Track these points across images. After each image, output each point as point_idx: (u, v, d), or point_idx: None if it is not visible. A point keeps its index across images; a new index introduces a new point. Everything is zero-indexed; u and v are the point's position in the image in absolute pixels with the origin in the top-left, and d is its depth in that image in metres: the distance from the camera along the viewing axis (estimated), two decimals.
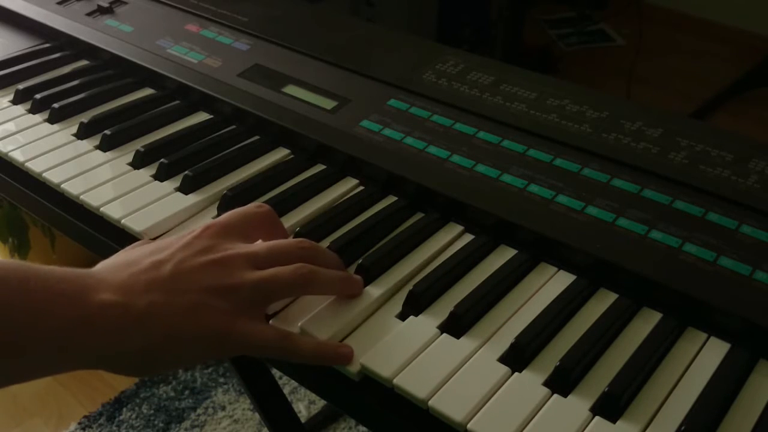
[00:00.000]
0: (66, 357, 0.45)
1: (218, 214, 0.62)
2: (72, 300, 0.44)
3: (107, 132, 0.71)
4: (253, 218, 0.54)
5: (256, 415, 1.35)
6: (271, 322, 0.52)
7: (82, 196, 0.64)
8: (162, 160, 0.67)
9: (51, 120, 0.75)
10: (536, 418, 0.45)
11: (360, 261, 0.56)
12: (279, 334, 0.49)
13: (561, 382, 0.47)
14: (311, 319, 0.52)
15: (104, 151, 0.70)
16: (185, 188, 0.65)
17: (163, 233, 0.61)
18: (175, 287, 0.47)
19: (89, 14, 0.88)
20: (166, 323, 0.46)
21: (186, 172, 0.66)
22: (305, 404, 1.38)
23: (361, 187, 0.65)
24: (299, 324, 0.51)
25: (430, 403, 0.46)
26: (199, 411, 1.38)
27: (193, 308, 0.47)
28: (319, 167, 0.67)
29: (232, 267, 0.49)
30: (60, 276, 0.45)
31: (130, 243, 0.59)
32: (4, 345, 0.42)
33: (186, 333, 0.46)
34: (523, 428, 0.45)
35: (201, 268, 0.48)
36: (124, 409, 1.39)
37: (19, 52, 0.86)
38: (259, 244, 0.52)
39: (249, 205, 0.55)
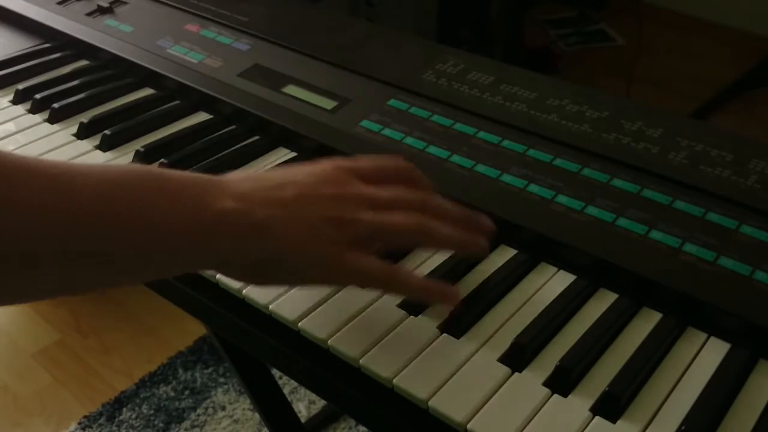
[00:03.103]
0: (182, 260, 0.46)
1: None
2: (193, 205, 0.46)
3: (107, 132, 0.71)
4: (386, 170, 0.53)
5: (256, 415, 1.35)
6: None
7: None
8: (162, 160, 0.67)
9: (51, 120, 0.75)
10: (536, 418, 0.45)
11: None
12: (386, 266, 0.49)
13: (561, 382, 0.47)
14: (310, 317, 0.52)
15: (104, 151, 0.70)
16: None
17: None
18: (294, 208, 0.48)
19: (89, 14, 0.88)
20: (281, 237, 0.47)
21: None
22: (305, 404, 1.38)
23: None
24: (299, 323, 0.52)
25: (430, 403, 0.46)
26: (199, 411, 1.38)
27: (308, 229, 0.47)
28: None
29: (350, 203, 0.49)
30: (183, 180, 0.47)
31: None
32: (122, 245, 0.44)
33: (298, 250, 0.47)
34: (523, 428, 0.45)
35: (322, 198, 0.49)
36: (124, 409, 1.39)
37: (19, 52, 0.86)
38: (383, 190, 0.51)
39: (387, 156, 0.54)
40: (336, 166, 0.51)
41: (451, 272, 0.55)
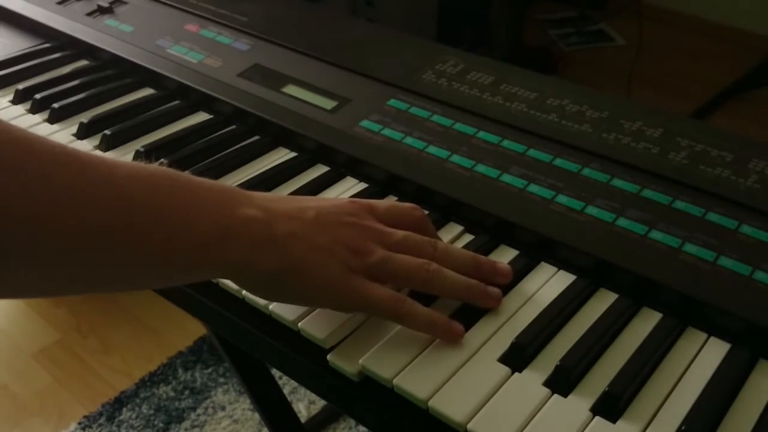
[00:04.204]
0: (202, 265, 0.47)
1: None
2: (217, 210, 0.47)
3: (107, 132, 0.71)
4: (403, 215, 0.54)
5: (256, 415, 1.35)
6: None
7: None
8: (162, 160, 0.67)
9: (51, 120, 0.75)
10: (536, 418, 0.45)
11: None
12: (395, 297, 0.50)
13: (561, 382, 0.47)
14: (310, 317, 0.52)
15: (104, 151, 0.70)
16: None
17: None
18: (313, 230, 0.49)
19: (89, 14, 0.88)
20: (298, 255, 0.48)
21: (186, 172, 0.65)
22: (305, 404, 1.38)
23: (362, 186, 0.65)
24: (299, 323, 0.52)
25: (430, 403, 0.46)
26: (199, 411, 1.38)
27: (324, 252, 0.49)
28: (319, 167, 0.67)
29: (367, 235, 0.51)
30: (209, 186, 0.48)
31: None
32: (145, 250, 0.44)
33: (312, 271, 0.48)
34: (523, 428, 0.45)
35: (341, 225, 0.50)
36: (124, 409, 1.39)
37: (19, 52, 0.86)
38: (397, 231, 0.52)
39: (405, 203, 0.56)
40: (354, 201, 0.53)
41: None
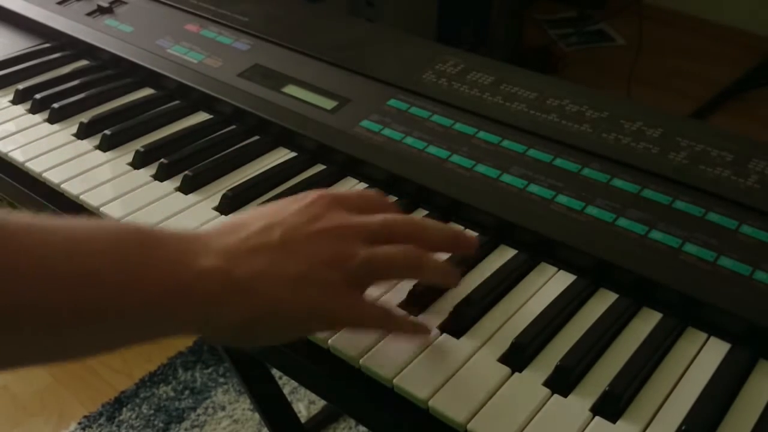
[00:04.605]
0: (160, 324, 0.43)
1: (217, 215, 0.62)
2: (172, 265, 0.42)
3: (107, 132, 0.71)
4: (370, 200, 0.52)
5: (256, 415, 1.35)
6: None
7: (81, 196, 0.64)
8: (162, 160, 0.67)
9: (51, 120, 0.75)
10: (536, 418, 0.45)
11: None
12: (381, 312, 0.48)
13: (561, 382, 0.47)
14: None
15: (104, 151, 0.70)
16: (185, 188, 0.65)
17: None
18: (283, 254, 0.45)
19: (89, 14, 0.88)
20: (269, 295, 0.44)
21: (186, 172, 0.66)
22: (305, 404, 1.38)
23: (362, 186, 0.65)
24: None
25: (430, 403, 0.46)
26: (199, 411, 1.38)
27: (300, 279, 0.45)
28: (319, 167, 0.67)
29: (343, 238, 0.47)
30: (162, 238, 0.44)
31: None
32: (95, 308, 0.40)
33: (289, 307, 0.45)
34: (523, 428, 0.45)
35: (312, 236, 0.46)
36: (124, 409, 1.39)
37: (19, 52, 0.86)
38: (371, 216, 0.49)
39: (370, 190, 0.54)
40: (321, 196, 0.49)
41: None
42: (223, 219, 0.49)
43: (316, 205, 0.49)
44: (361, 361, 0.49)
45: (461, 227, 0.59)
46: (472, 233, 0.58)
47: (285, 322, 0.45)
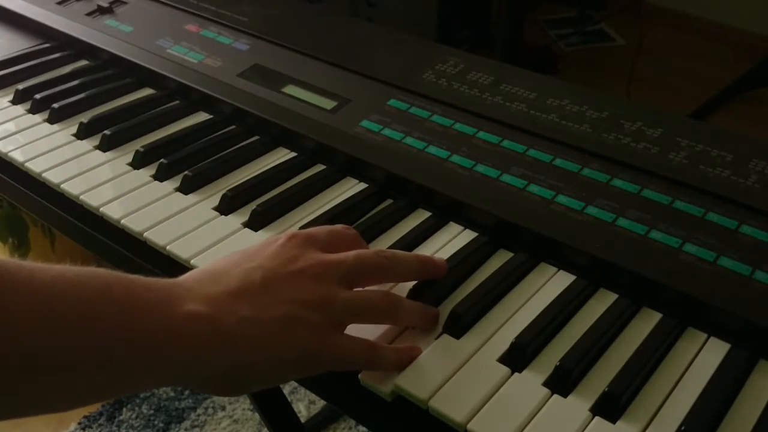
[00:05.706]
0: (146, 373, 0.42)
1: (217, 215, 0.62)
2: (157, 309, 0.42)
3: (107, 132, 0.71)
4: (342, 236, 0.52)
5: (256, 415, 1.35)
6: None
7: (81, 196, 0.64)
8: (162, 160, 0.67)
9: (51, 120, 0.75)
10: (536, 418, 0.45)
11: None
12: (366, 347, 0.48)
13: (561, 382, 0.47)
14: None
15: (104, 151, 0.70)
16: (185, 188, 0.65)
17: (165, 235, 0.61)
18: (266, 298, 0.45)
19: (89, 14, 0.88)
20: (256, 341, 0.44)
21: (186, 172, 0.66)
22: (305, 404, 1.38)
23: (362, 186, 0.65)
24: None
25: (430, 403, 0.46)
26: (199, 411, 1.38)
27: (285, 322, 0.45)
28: (319, 167, 0.67)
29: (322, 278, 0.47)
30: (145, 284, 0.43)
31: (130, 243, 0.59)
32: (80, 357, 0.40)
33: (277, 352, 0.45)
34: (523, 428, 0.45)
35: (292, 277, 0.47)
36: (124, 409, 1.39)
37: (19, 52, 0.86)
38: (345, 255, 0.50)
39: (337, 225, 0.54)
40: (293, 237, 0.50)
41: (452, 273, 0.55)
42: (200, 267, 0.49)
43: (290, 246, 0.49)
44: None
45: (429, 256, 0.55)
46: (441, 260, 0.55)
47: (272, 367, 0.45)
